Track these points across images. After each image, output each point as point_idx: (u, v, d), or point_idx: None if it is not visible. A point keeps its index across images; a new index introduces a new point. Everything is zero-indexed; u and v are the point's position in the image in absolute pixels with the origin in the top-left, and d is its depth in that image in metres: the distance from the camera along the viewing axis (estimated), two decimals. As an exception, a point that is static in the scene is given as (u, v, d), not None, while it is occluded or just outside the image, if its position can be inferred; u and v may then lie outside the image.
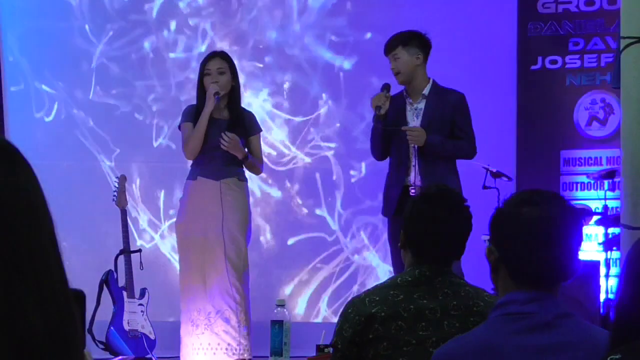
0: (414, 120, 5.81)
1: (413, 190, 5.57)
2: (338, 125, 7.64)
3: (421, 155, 5.70)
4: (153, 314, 6.36)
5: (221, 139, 5.73)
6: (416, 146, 5.68)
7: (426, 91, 5.83)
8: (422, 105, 5.82)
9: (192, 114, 5.88)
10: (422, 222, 3.07)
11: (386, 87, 5.81)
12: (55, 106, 7.50)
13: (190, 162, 5.99)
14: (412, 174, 5.69)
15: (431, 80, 5.87)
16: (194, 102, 6.03)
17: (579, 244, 2.31)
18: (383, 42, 5.98)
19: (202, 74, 5.88)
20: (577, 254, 2.31)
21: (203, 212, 5.78)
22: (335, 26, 7.66)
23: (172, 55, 7.61)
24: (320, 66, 7.66)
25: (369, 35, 7.62)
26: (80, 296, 1.99)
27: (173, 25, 7.62)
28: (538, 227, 2.26)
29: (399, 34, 5.89)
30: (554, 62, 7.70)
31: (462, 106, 5.83)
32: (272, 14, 7.66)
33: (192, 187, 5.86)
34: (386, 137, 5.80)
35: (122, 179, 6.43)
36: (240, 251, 5.83)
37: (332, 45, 7.65)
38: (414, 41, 5.83)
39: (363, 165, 7.56)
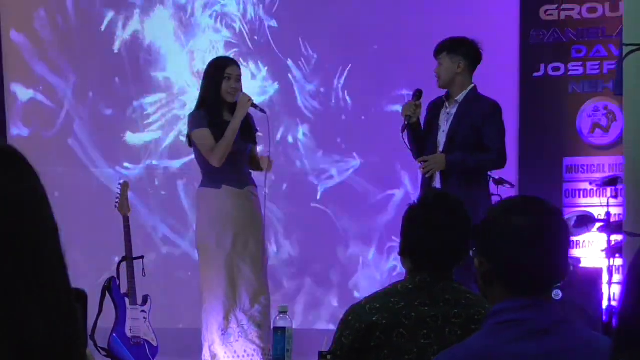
0: (444, 124, 5.78)
1: None
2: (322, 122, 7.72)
3: None
4: (160, 320, 6.35)
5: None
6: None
7: (460, 98, 5.75)
8: (453, 110, 5.76)
9: (206, 120, 5.78)
10: (420, 229, 3.03)
11: (417, 94, 5.78)
12: (62, 116, 7.51)
13: (199, 169, 5.92)
14: (434, 182, 5.70)
15: (470, 88, 5.78)
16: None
17: (568, 246, 2.33)
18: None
19: (220, 77, 5.80)
20: (567, 256, 2.33)
21: (235, 221, 5.75)
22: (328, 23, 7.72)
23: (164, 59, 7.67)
24: (312, 62, 7.70)
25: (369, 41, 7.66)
26: (81, 295, 1.99)
27: (160, 26, 7.67)
28: (529, 235, 2.26)
29: (448, 39, 5.84)
30: (557, 69, 7.70)
31: (492, 115, 5.72)
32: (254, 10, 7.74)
33: (217, 196, 5.78)
34: (418, 143, 5.79)
35: (125, 186, 6.38)
36: (266, 252, 6.00)
37: (322, 42, 7.69)
38: (460, 49, 5.76)
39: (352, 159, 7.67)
